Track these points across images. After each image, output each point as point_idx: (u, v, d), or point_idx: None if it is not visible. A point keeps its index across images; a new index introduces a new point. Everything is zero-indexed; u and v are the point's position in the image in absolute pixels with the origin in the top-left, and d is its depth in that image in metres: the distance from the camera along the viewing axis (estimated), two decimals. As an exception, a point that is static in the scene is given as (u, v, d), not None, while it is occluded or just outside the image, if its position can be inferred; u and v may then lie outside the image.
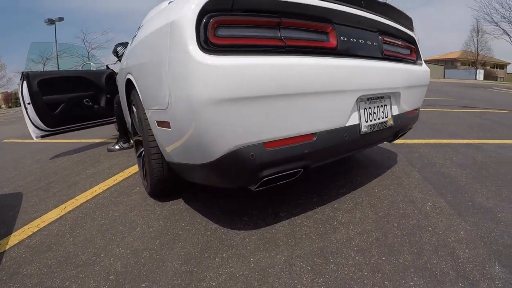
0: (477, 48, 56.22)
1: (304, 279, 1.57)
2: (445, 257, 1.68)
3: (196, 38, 1.46)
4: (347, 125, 1.95)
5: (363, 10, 2.09)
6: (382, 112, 2.25)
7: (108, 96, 5.22)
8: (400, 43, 2.56)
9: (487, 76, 56.67)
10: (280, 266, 1.67)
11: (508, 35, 32.60)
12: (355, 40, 2.00)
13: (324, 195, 2.51)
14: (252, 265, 1.69)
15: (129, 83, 2.87)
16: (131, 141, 4.76)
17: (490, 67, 64.22)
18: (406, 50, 2.67)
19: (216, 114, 1.47)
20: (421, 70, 2.76)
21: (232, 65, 1.46)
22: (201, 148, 1.62)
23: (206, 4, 1.47)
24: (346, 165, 3.32)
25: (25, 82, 4.42)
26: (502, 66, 69.39)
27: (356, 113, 2.02)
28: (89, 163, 4.17)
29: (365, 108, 2.09)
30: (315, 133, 1.78)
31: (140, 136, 2.82)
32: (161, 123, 1.92)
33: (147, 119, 2.23)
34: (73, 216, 2.45)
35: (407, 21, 2.69)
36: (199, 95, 1.45)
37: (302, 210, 2.27)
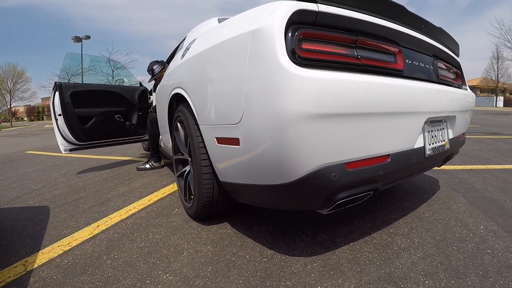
0: (497, 75, 55.91)
1: (381, 307, 1.47)
2: (510, 277, 1.66)
3: (286, 48, 1.41)
4: (414, 147, 1.92)
5: (423, 34, 2.11)
6: (441, 135, 2.24)
7: (140, 113, 5.21)
8: (450, 67, 2.57)
9: (507, 103, 56.55)
10: (353, 295, 1.57)
11: None
12: (417, 63, 2.00)
13: (377, 221, 2.43)
14: (322, 294, 1.58)
15: (174, 99, 2.85)
16: (162, 160, 4.73)
17: (510, 94, 63.84)
18: (454, 75, 2.67)
19: (306, 130, 1.39)
20: (470, 94, 2.77)
21: (325, 79, 1.41)
22: (279, 167, 1.52)
23: (293, 15, 1.44)
24: (392, 190, 3.26)
25: (57, 93, 4.39)
26: None
27: (421, 136, 1.99)
28: (119, 180, 4.12)
29: (428, 131, 2.07)
30: (389, 155, 1.73)
31: (182, 155, 2.78)
32: (225, 140, 1.84)
33: (199, 136, 2.17)
34: (108, 236, 2.33)
35: (456, 47, 2.70)
36: (291, 108, 1.37)
37: (359, 236, 2.18)
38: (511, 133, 9.43)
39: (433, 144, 2.11)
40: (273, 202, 1.87)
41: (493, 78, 56.42)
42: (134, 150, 6.85)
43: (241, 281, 1.70)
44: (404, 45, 1.90)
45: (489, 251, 1.96)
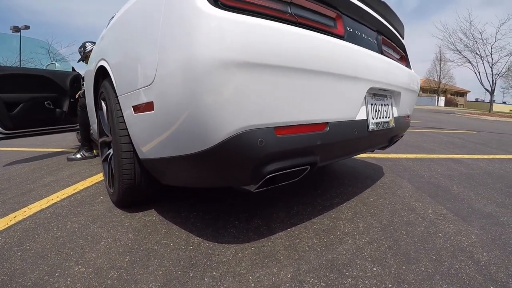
0: (440, 76, 59.26)
1: (321, 298, 1.33)
2: (466, 261, 1.62)
3: None
4: (356, 119, 1.77)
5: (366, 6, 1.98)
6: (385, 111, 2.13)
7: (71, 100, 4.82)
8: (395, 46, 2.48)
9: (448, 103, 61.36)
10: (287, 285, 1.38)
11: (471, 63, 35.95)
12: (359, 34, 1.86)
13: (318, 206, 2.31)
14: (253, 285, 1.39)
15: (99, 75, 2.60)
16: (94, 150, 4.41)
17: (451, 95, 68.15)
18: (398, 55, 2.59)
19: (225, 81, 1.16)
20: (416, 76, 2.70)
21: (252, 23, 1.20)
22: (196, 131, 1.28)
23: None
24: (333, 176, 3.19)
25: None
26: (462, 94, 74.82)
27: (364, 107, 1.85)
28: (46, 171, 3.77)
29: (371, 104, 1.94)
30: (327, 123, 1.54)
31: (107, 136, 2.54)
32: (140, 107, 1.60)
33: (119, 110, 1.93)
34: (23, 227, 2.08)
35: (400, 27, 2.62)
36: (207, 54, 1.14)
37: (298, 221, 2.03)
38: (451, 128, 10.10)
39: (377, 118, 1.98)
40: (195, 177, 1.64)
41: (436, 79, 59.51)
42: (69, 142, 6.43)
43: (160, 272, 1.48)
44: (345, 12, 1.75)
45: (440, 234, 1.92)
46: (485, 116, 22.82)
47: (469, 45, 35.82)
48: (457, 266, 1.56)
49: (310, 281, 1.41)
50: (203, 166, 1.44)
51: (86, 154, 4.29)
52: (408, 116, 2.72)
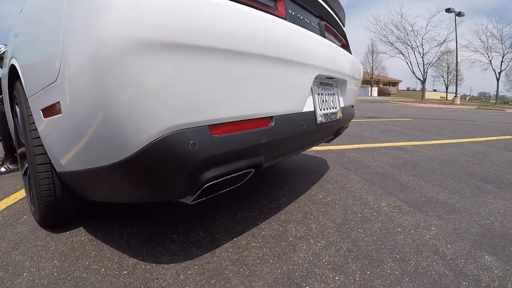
0: (372, 67, 62.26)
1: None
2: (432, 257, 1.54)
3: None
4: (304, 111, 1.61)
5: None
6: (332, 101, 2.02)
7: None
8: (337, 33, 2.38)
9: (380, 93, 64.92)
10: (239, 308, 1.19)
11: (403, 53, 38.87)
12: (302, 18, 1.69)
13: (264, 208, 2.14)
14: (199, 311, 1.18)
15: (12, 77, 2.28)
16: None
17: (384, 85, 71.38)
18: (340, 42, 2.49)
19: (140, 68, 0.91)
20: (358, 62, 2.63)
21: None
22: (110, 137, 1.03)
23: None
24: (276, 173, 3.06)
25: None
26: (394, 83, 79.13)
27: (311, 98, 1.71)
28: (-37, 191, 3.37)
29: (318, 94, 1.80)
30: (272, 117, 1.36)
31: (25, 146, 2.22)
32: (48, 110, 1.33)
33: (31, 115, 1.65)
34: None
35: (342, 14, 2.51)
36: (111, 33, 0.89)
37: (245, 228, 1.84)
38: (388, 116, 10.55)
39: (324, 109, 1.85)
40: (122, 192, 1.39)
41: (368, 71, 62.12)
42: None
43: (91, 308, 1.23)
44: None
45: (399, 229, 1.85)
46: (418, 104, 24.24)
47: (400, 37, 38.42)
48: (424, 264, 1.47)
49: (265, 301, 1.22)
50: (127, 179, 1.19)
51: (11, 167, 3.86)
52: (352, 106, 2.65)
